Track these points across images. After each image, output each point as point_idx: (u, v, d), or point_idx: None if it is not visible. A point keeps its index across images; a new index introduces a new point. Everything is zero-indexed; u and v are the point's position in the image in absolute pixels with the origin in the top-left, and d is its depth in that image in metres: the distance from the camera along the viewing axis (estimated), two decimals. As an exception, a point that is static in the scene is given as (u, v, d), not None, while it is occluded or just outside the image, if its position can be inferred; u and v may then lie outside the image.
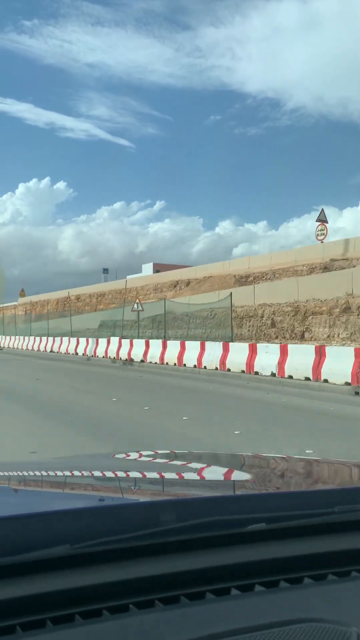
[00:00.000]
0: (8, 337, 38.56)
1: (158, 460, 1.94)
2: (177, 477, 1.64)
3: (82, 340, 26.24)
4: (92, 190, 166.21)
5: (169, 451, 2.18)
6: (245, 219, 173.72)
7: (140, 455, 1.99)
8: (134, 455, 2.03)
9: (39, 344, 31.40)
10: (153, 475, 1.66)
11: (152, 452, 2.07)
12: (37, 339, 32.15)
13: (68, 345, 27.30)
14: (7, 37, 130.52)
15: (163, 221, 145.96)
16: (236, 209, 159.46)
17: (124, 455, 2.09)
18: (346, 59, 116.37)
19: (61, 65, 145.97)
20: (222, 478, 1.63)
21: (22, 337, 35.67)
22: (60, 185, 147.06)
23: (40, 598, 0.81)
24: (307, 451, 5.81)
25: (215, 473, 1.69)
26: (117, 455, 2.17)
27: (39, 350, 30.80)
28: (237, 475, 1.66)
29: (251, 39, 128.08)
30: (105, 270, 63.51)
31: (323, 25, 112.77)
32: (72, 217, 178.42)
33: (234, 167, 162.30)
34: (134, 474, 1.64)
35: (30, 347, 32.60)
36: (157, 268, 58.16)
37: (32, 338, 33.32)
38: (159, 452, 2.14)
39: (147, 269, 61.29)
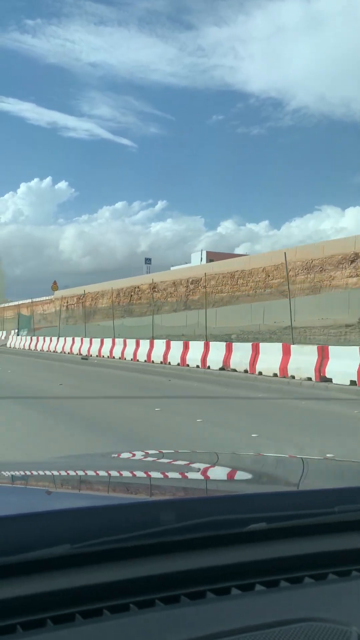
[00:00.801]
0: (89, 340, 25.39)
1: (158, 460, 1.92)
2: (177, 476, 1.62)
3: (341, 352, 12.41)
4: (94, 190, 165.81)
5: (172, 451, 2.26)
6: (247, 219, 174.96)
7: (147, 455, 1.97)
8: (134, 455, 2.02)
9: (185, 354, 17.57)
10: (153, 474, 1.63)
11: (156, 452, 2.04)
12: (178, 345, 18.25)
13: (288, 360, 13.50)
14: (10, 36, 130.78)
15: (165, 221, 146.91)
16: (238, 209, 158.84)
17: (127, 455, 2.07)
18: (349, 58, 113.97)
19: (64, 64, 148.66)
20: (222, 477, 1.61)
21: (118, 341, 22.65)
22: (62, 185, 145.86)
23: (40, 597, 0.81)
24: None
25: (215, 472, 1.67)
26: (117, 455, 2.15)
27: (185, 364, 17.27)
28: (238, 475, 1.65)
29: (254, 38, 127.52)
30: (148, 260, 54.83)
31: (326, 25, 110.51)
32: (74, 217, 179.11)
33: (236, 167, 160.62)
34: (135, 474, 1.62)
35: (156, 359, 19.13)
36: (211, 257, 48.33)
37: (158, 343, 19.56)
38: (163, 451, 2.10)
39: (198, 257, 50.71)
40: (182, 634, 0.77)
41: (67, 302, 41.27)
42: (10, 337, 39.28)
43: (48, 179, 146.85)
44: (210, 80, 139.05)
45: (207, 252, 51.43)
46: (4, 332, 43.79)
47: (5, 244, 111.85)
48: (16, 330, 39.58)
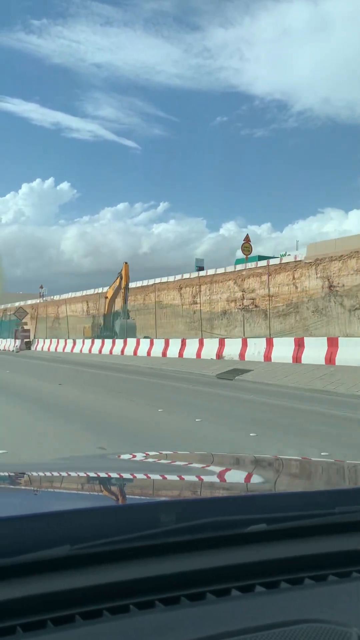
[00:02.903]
0: None
1: (159, 461, 1.93)
2: (177, 477, 1.61)
3: None
4: (96, 191, 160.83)
5: (171, 452, 2.22)
6: (249, 221, 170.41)
7: (147, 456, 1.99)
8: (135, 456, 2.03)
9: None
10: (153, 475, 1.63)
11: (157, 453, 2.07)
12: None
13: None
14: (16, 36, 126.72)
15: (168, 222, 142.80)
16: (240, 211, 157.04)
17: (127, 456, 2.07)
18: (355, 61, 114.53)
19: (68, 65, 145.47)
20: (222, 479, 1.61)
21: None
22: (64, 185, 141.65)
23: (40, 599, 0.81)
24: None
25: (215, 474, 1.67)
26: (117, 456, 2.14)
27: None
28: (237, 476, 1.66)
29: (260, 40, 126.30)
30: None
31: (333, 28, 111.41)
32: (75, 217, 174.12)
33: (239, 169, 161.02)
34: (135, 475, 1.62)
35: None
36: None
37: None
38: (163, 452, 2.12)
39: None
40: (182, 635, 0.78)
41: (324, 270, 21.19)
42: None
43: (50, 180, 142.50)
44: (215, 82, 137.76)
45: None
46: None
47: (6, 244, 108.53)
48: None
